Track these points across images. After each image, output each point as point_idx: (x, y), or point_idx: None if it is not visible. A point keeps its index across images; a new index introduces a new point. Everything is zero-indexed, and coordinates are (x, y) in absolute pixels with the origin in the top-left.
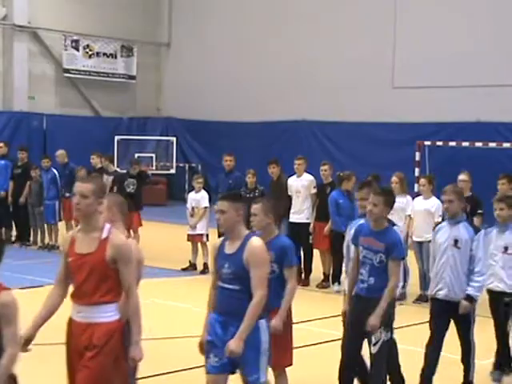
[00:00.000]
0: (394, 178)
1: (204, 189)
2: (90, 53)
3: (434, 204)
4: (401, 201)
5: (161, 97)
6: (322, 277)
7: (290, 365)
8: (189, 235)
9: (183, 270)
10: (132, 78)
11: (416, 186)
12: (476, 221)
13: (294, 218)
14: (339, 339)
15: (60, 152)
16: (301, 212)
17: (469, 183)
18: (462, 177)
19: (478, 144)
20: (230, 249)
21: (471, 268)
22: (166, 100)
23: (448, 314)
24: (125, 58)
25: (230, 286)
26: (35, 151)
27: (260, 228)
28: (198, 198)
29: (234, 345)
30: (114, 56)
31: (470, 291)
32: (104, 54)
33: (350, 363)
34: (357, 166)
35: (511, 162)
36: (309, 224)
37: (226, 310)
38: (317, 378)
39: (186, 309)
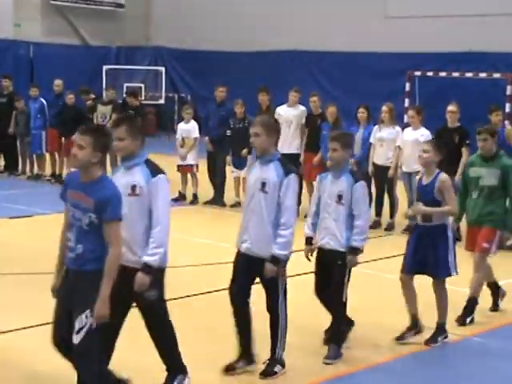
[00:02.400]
0: (384, 109)
1: (194, 119)
2: None
3: (422, 135)
4: (390, 132)
5: (150, 26)
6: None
7: None
8: (179, 166)
9: (173, 200)
10: (120, 6)
11: (405, 116)
12: (464, 151)
13: (285, 148)
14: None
15: (58, 82)
16: (291, 142)
17: (457, 114)
18: (451, 108)
19: (469, 74)
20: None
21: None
22: (155, 29)
23: (253, 273)
24: None
25: None
26: (22, 80)
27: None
28: (188, 129)
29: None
30: None
31: (275, 249)
32: None
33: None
34: (347, 97)
35: (501, 92)
36: (297, 155)
37: None
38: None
39: (176, 238)
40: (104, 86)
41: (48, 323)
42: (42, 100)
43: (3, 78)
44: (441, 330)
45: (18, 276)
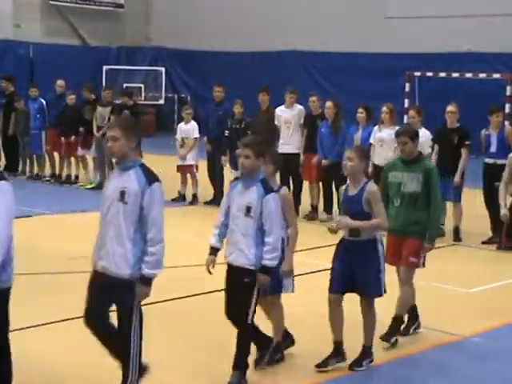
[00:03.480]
0: (384, 109)
1: (193, 119)
2: None
3: (422, 135)
4: (390, 132)
5: (150, 26)
6: (309, 208)
7: None
8: (178, 166)
9: (173, 200)
10: (120, 6)
11: (405, 117)
12: (464, 152)
13: (284, 148)
14: (325, 270)
15: (61, 82)
16: (290, 142)
17: (456, 115)
18: (450, 108)
19: (468, 75)
20: None
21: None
22: (155, 29)
23: (110, 298)
24: None
25: None
26: (22, 81)
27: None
28: (187, 129)
29: None
30: None
31: (144, 269)
32: None
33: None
34: (346, 97)
35: (501, 93)
36: (297, 155)
37: None
38: (301, 306)
39: (173, 238)
40: (104, 86)
41: (48, 323)
42: (42, 100)
43: (4, 79)
44: (366, 353)
45: (18, 276)
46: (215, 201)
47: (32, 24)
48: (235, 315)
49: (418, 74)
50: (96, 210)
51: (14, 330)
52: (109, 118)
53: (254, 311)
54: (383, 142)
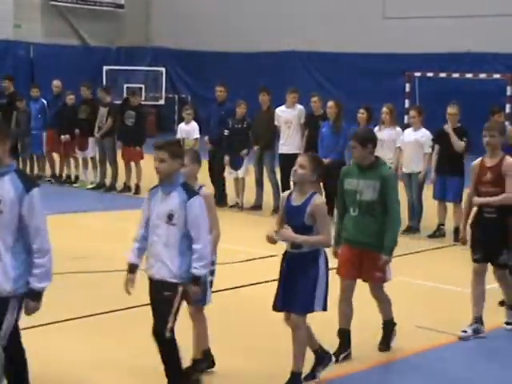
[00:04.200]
0: (385, 109)
1: (194, 120)
2: None
3: (423, 135)
4: (391, 132)
5: (150, 26)
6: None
7: None
8: None
9: None
10: (120, 6)
11: (406, 117)
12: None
13: (284, 149)
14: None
15: (57, 82)
16: (291, 143)
17: (457, 116)
18: (450, 110)
19: (469, 75)
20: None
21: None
22: (155, 29)
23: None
24: None
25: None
26: (22, 81)
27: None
28: (188, 129)
29: None
30: None
31: (32, 282)
32: None
33: None
34: (346, 98)
35: (501, 93)
36: (298, 155)
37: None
38: None
39: None
40: (101, 86)
41: (48, 323)
42: (43, 100)
43: (4, 79)
44: (295, 381)
45: None
46: (216, 200)
47: (32, 24)
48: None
49: (418, 74)
50: (97, 210)
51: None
52: (106, 119)
53: (173, 325)
54: (383, 142)
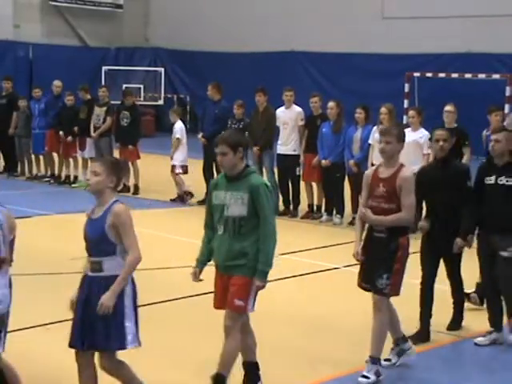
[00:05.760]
0: (383, 110)
1: (181, 120)
2: None
3: (422, 135)
4: None
5: (149, 26)
6: (307, 208)
7: None
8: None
9: (172, 200)
10: (119, 7)
11: (405, 117)
12: (466, 151)
13: (282, 149)
14: (327, 270)
15: (58, 83)
16: (288, 144)
17: (454, 114)
18: (448, 108)
19: (468, 75)
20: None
21: None
22: (154, 30)
23: None
24: None
25: None
26: (21, 81)
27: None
28: (173, 129)
29: None
30: None
31: None
32: None
33: None
34: (345, 98)
35: (500, 94)
36: (296, 156)
37: None
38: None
39: (172, 239)
40: (101, 85)
41: (47, 323)
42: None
43: (4, 79)
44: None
45: (18, 277)
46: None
47: (31, 25)
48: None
49: (417, 74)
50: None
51: (14, 331)
52: (104, 119)
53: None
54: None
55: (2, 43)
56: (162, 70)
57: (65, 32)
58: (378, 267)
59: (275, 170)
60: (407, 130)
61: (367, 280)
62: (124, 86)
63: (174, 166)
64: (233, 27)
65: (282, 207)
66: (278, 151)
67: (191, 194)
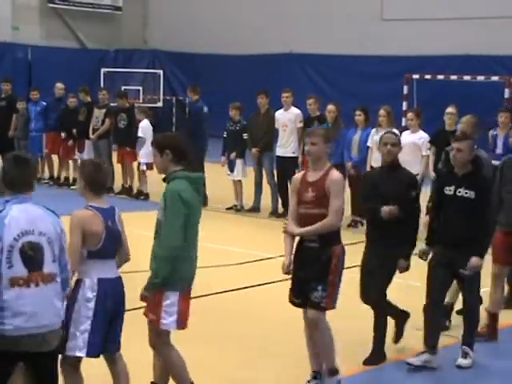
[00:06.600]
0: (382, 112)
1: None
2: None
3: (421, 138)
4: None
5: (147, 29)
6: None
7: None
8: None
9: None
10: (118, 9)
11: (403, 119)
12: None
13: (280, 151)
14: None
15: (61, 85)
16: (287, 146)
17: (456, 116)
18: (450, 110)
19: (467, 77)
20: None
21: None
22: (153, 32)
23: None
24: None
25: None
26: (20, 83)
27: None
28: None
29: None
30: None
31: None
32: None
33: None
34: (344, 100)
35: (499, 96)
36: (294, 158)
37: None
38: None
39: None
40: (101, 87)
41: None
42: (43, 103)
43: (3, 81)
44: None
45: None
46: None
47: (30, 26)
48: None
49: (416, 76)
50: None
51: None
52: (103, 121)
53: None
54: None
55: (1, 45)
56: (161, 72)
57: (63, 34)
58: (311, 279)
59: (274, 172)
60: (406, 132)
61: (299, 294)
62: (123, 88)
63: (139, 163)
64: (231, 29)
65: (281, 209)
66: (277, 153)
67: (146, 196)
